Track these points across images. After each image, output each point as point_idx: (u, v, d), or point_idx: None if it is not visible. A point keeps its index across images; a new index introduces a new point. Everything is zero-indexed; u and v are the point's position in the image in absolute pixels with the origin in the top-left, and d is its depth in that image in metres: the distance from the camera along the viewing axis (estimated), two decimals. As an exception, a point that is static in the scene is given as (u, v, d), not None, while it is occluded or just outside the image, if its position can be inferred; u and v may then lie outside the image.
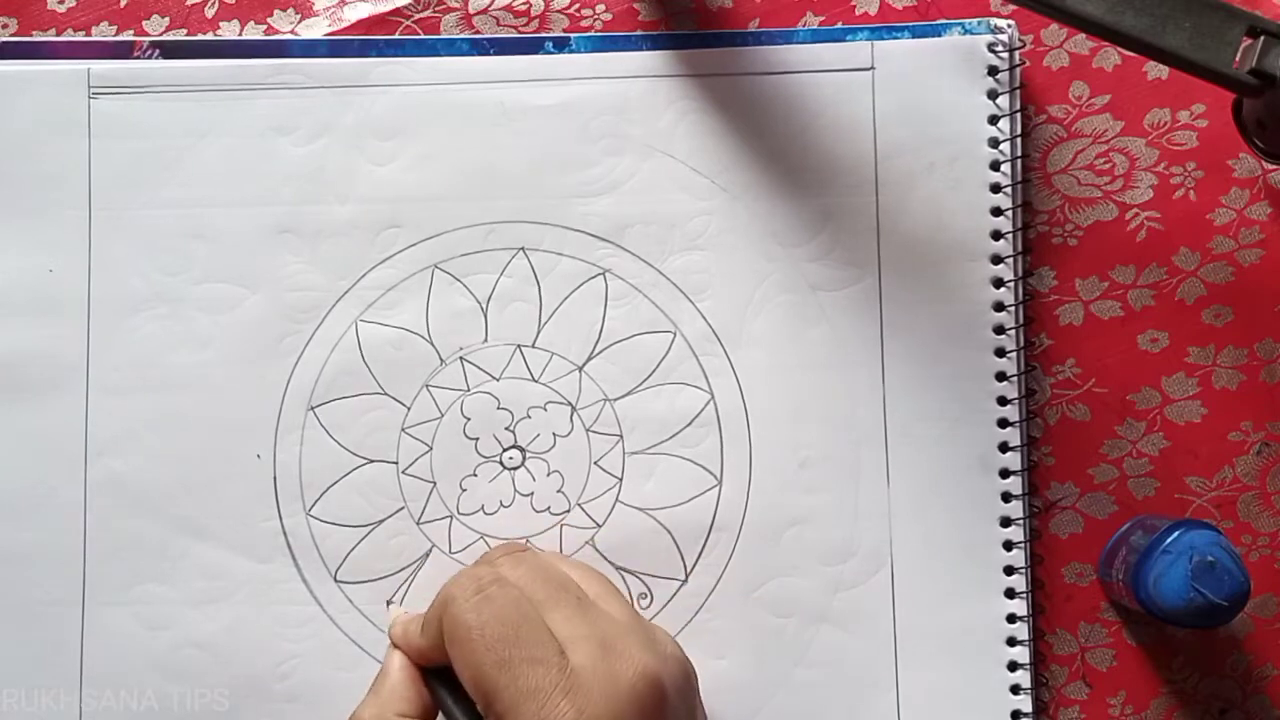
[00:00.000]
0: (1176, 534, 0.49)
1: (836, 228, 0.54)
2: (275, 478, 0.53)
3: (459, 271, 0.53)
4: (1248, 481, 0.54)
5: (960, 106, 0.53)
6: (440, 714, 0.46)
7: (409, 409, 0.53)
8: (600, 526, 0.53)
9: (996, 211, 0.53)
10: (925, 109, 0.53)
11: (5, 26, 0.54)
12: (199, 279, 0.53)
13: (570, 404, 0.53)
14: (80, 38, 0.54)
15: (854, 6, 0.55)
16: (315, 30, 0.55)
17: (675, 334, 0.53)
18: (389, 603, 0.53)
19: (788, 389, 0.52)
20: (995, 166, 0.53)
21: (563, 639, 0.43)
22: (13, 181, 0.53)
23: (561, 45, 0.54)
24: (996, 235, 0.53)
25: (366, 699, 0.47)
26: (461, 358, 0.53)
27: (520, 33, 0.54)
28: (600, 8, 0.55)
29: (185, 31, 0.54)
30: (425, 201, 0.53)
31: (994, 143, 0.53)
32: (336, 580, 0.53)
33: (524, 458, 0.53)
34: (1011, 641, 0.53)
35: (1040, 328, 0.54)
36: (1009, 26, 0.54)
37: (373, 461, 0.53)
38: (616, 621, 0.46)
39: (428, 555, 0.53)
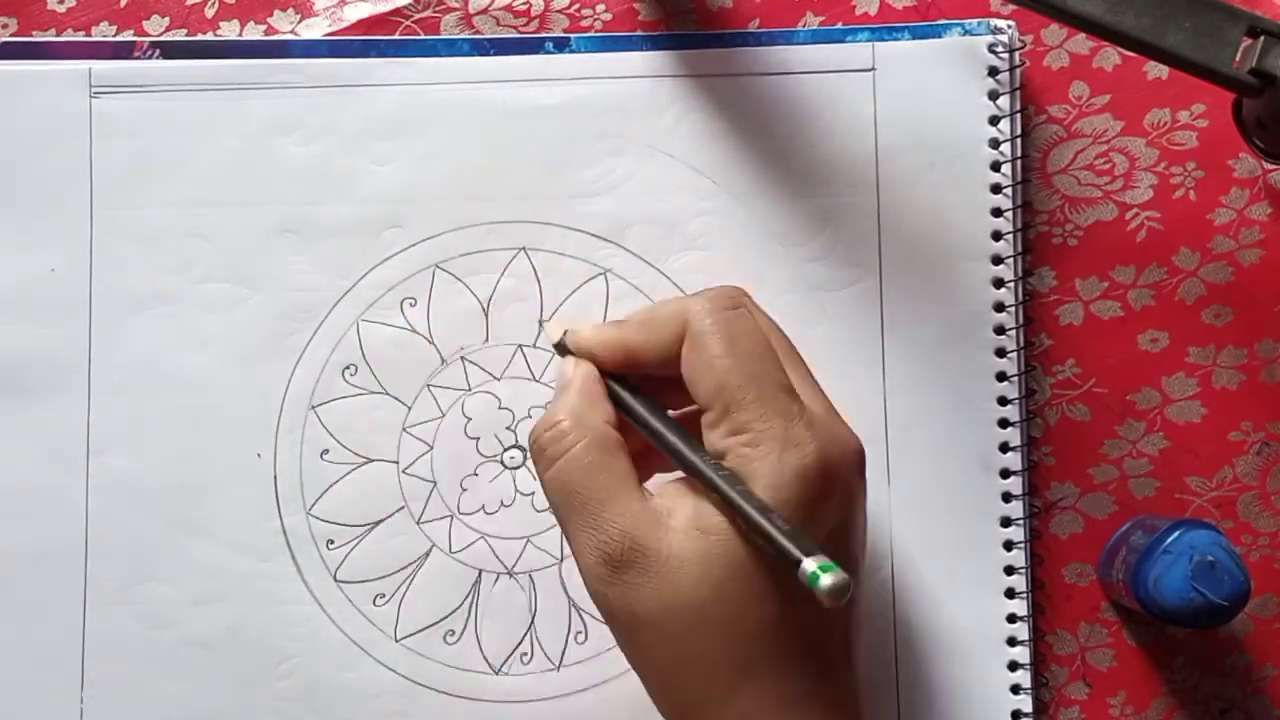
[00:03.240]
0: (1176, 534, 0.49)
1: (837, 228, 0.54)
2: (275, 477, 0.53)
3: (460, 271, 0.53)
4: (1248, 481, 0.54)
5: (960, 107, 0.54)
6: (632, 422, 0.45)
7: (410, 408, 0.53)
8: (601, 526, 0.53)
9: (997, 212, 0.53)
10: (926, 110, 0.54)
11: (5, 26, 0.54)
12: (200, 278, 0.53)
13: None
14: (80, 38, 0.54)
15: (854, 6, 0.55)
16: (315, 30, 0.55)
17: (676, 334, 0.53)
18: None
19: (788, 389, 0.52)
20: (995, 167, 0.53)
21: (796, 389, 0.43)
22: (14, 181, 0.53)
23: (562, 45, 0.54)
24: (997, 235, 0.53)
25: (556, 404, 0.44)
26: (463, 357, 0.53)
27: (520, 33, 0.54)
28: (600, 8, 0.55)
29: (185, 31, 0.54)
30: (426, 201, 0.53)
31: (994, 143, 0.53)
32: (336, 580, 0.53)
33: (525, 457, 0.53)
34: (1011, 641, 0.53)
35: (1040, 328, 0.54)
36: (1009, 27, 0.54)
37: (373, 461, 0.53)
38: (830, 401, 0.45)
39: (428, 555, 0.53)
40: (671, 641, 0.41)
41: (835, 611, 0.41)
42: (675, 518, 0.42)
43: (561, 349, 0.46)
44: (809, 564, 0.39)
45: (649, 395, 0.45)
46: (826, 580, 0.38)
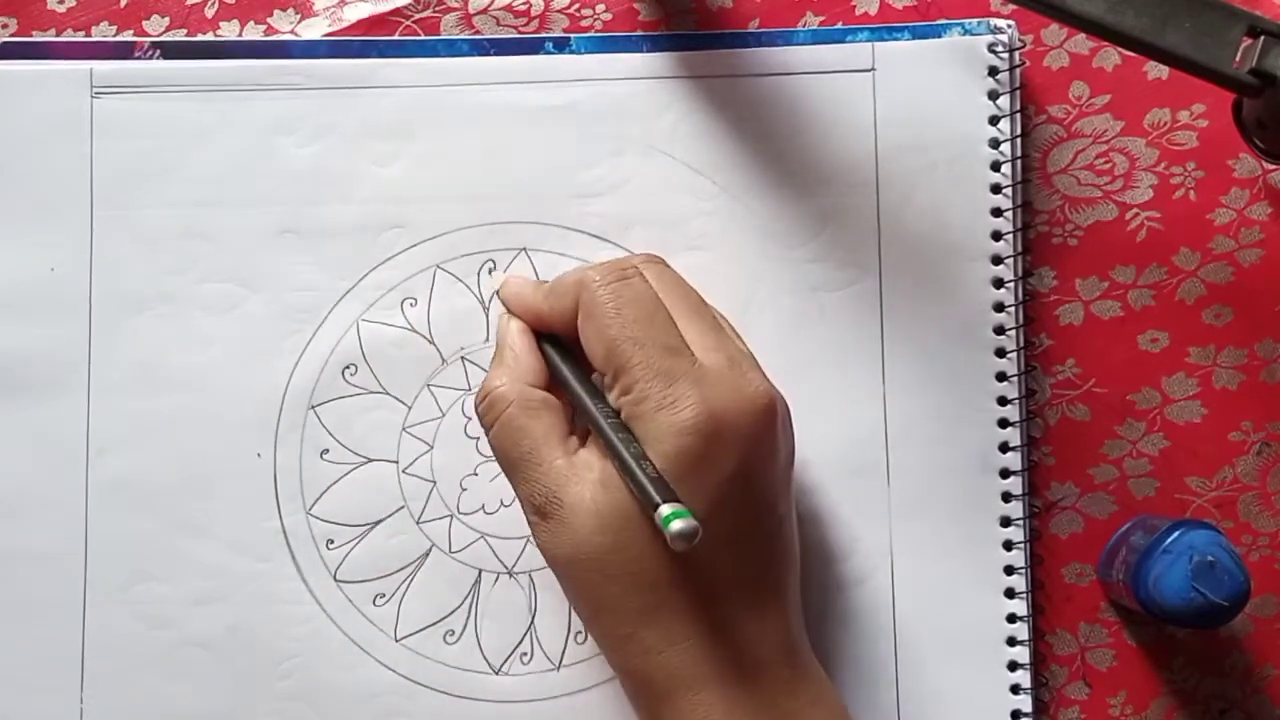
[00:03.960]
0: (1176, 534, 0.49)
1: (837, 228, 0.54)
2: (276, 477, 0.53)
3: (461, 271, 0.53)
4: (1248, 481, 0.54)
5: (960, 107, 0.54)
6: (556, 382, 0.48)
7: (410, 408, 0.53)
8: (601, 526, 0.53)
9: (997, 212, 0.53)
10: (926, 110, 0.54)
11: (5, 27, 0.54)
12: (201, 279, 0.53)
13: (571, 404, 0.53)
14: (80, 38, 0.54)
15: (854, 6, 0.55)
16: (315, 30, 0.55)
17: (676, 334, 0.53)
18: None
19: (788, 389, 0.52)
20: (995, 167, 0.53)
21: (693, 346, 0.45)
22: (15, 180, 0.53)
23: (562, 45, 0.54)
24: (997, 235, 0.53)
25: (492, 371, 0.48)
26: (463, 357, 0.53)
27: (520, 33, 0.54)
28: (600, 8, 0.55)
29: (185, 31, 0.54)
30: (427, 202, 0.53)
31: (994, 143, 0.53)
32: (336, 580, 0.53)
33: (525, 457, 0.53)
34: (1011, 641, 0.53)
35: (1040, 328, 0.54)
36: (1009, 27, 0.54)
37: (373, 461, 0.53)
38: (740, 349, 0.48)
39: (427, 555, 0.53)
40: (583, 584, 0.45)
41: (749, 554, 0.45)
42: (590, 471, 0.45)
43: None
44: (664, 509, 0.41)
45: (573, 353, 0.48)
46: (676, 525, 0.41)
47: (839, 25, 0.54)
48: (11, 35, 0.54)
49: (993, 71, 0.53)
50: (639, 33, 0.54)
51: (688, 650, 0.44)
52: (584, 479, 0.45)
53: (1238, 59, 0.44)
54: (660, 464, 0.43)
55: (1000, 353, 0.53)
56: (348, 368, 0.53)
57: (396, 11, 0.55)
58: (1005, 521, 0.53)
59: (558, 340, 0.48)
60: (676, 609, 0.44)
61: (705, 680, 0.44)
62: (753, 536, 0.45)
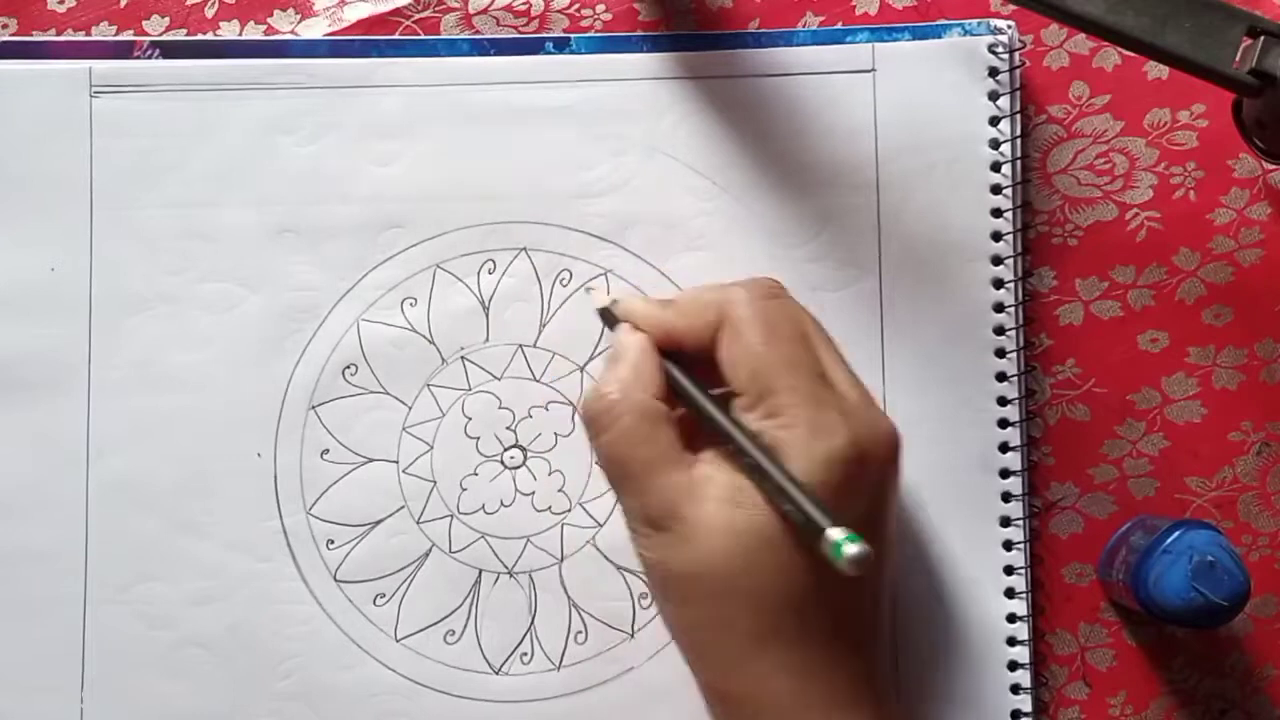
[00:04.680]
0: (1176, 534, 0.49)
1: (837, 229, 0.54)
2: (276, 477, 0.53)
3: (461, 271, 0.53)
4: (1248, 481, 0.54)
5: (961, 108, 0.54)
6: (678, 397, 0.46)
7: (410, 408, 0.53)
8: (601, 526, 0.53)
9: (997, 212, 0.53)
10: (926, 110, 0.54)
11: (5, 26, 0.54)
12: (201, 278, 0.53)
13: (572, 404, 0.53)
14: (80, 37, 0.54)
15: (854, 6, 0.55)
16: (315, 30, 0.55)
17: (676, 334, 0.53)
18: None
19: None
20: (995, 167, 0.53)
21: (831, 377, 0.45)
22: (14, 180, 0.53)
23: (562, 46, 0.54)
24: (997, 236, 0.53)
25: (606, 378, 0.46)
26: (463, 357, 0.53)
27: (520, 33, 0.54)
28: (600, 8, 0.55)
29: (185, 31, 0.54)
30: (427, 201, 0.53)
31: (994, 144, 0.53)
32: (336, 580, 0.53)
33: (525, 457, 0.53)
34: (1011, 641, 0.53)
35: (1040, 328, 0.54)
36: (1009, 27, 0.54)
37: (373, 461, 0.53)
38: (867, 389, 0.47)
39: (428, 555, 0.53)
40: (699, 604, 0.43)
41: (863, 589, 0.43)
42: (713, 487, 0.43)
43: (606, 316, 0.49)
44: (833, 533, 0.40)
45: (691, 370, 0.46)
46: (850, 549, 0.39)
47: (839, 25, 0.54)
48: (12, 35, 0.54)
49: (993, 72, 0.53)
50: (639, 33, 0.54)
51: (797, 680, 0.43)
52: (708, 495, 0.43)
53: (1238, 59, 0.44)
54: None
55: (1000, 353, 0.53)
56: (348, 368, 0.53)
57: (396, 11, 0.55)
58: (1005, 521, 0.53)
59: (676, 357, 0.47)
60: (791, 638, 0.43)
61: (808, 711, 0.43)
62: (870, 572, 0.44)
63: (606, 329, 0.49)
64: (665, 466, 0.44)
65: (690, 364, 0.47)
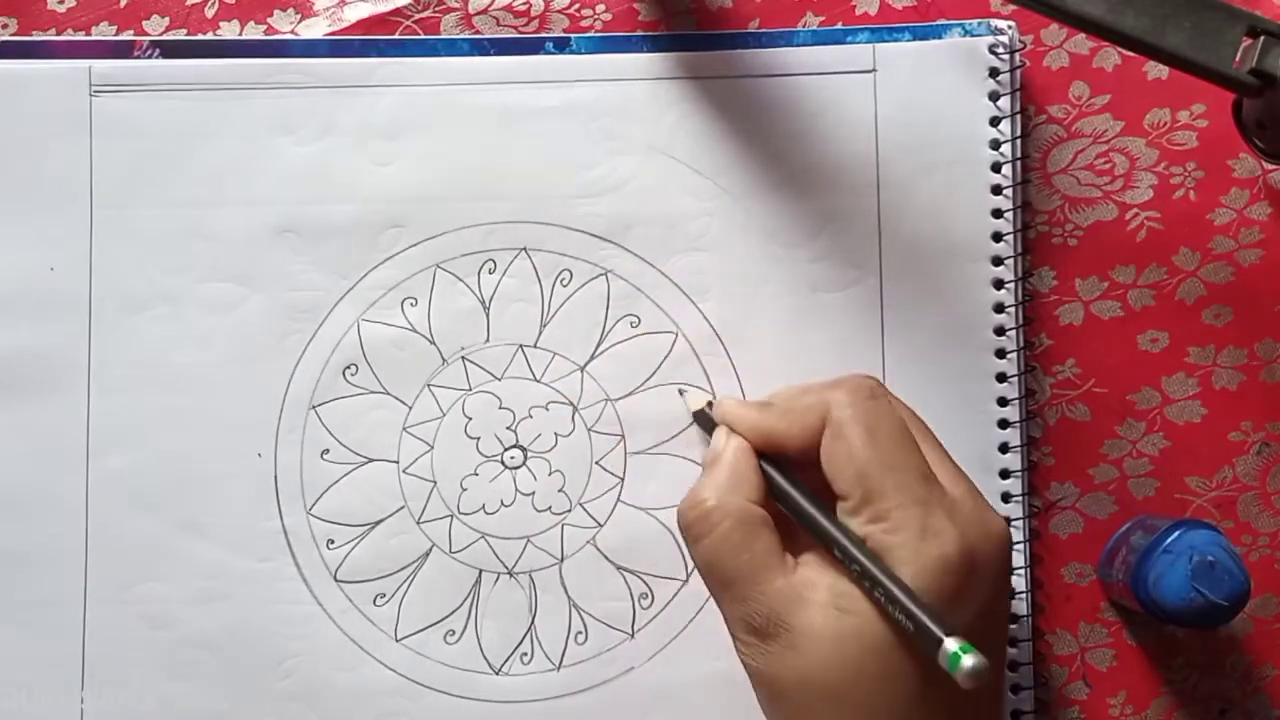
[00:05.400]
0: (1176, 534, 0.49)
1: (837, 229, 0.54)
2: (276, 477, 0.53)
3: (461, 271, 0.53)
4: (1248, 481, 0.54)
5: (961, 108, 0.54)
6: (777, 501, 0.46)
7: (410, 408, 0.53)
8: (602, 526, 0.53)
9: (997, 212, 0.53)
10: (926, 111, 0.54)
11: (5, 26, 0.54)
12: (201, 278, 0.53)
13: (572, 404, 0.53)
14: (80, 37, 0.54)
15: (854, 6, 0.55)
16: (315, 30, 0.55)
17: (677, 334, 0.53)
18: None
19: (789, 389, 0.52)
20: (996, 167, 0.53)
21: (936, 476, 0.44)
22: (14, 180, 0.53)
23: (562, 46, 0.54)
24: (997, 236, 0.53)
25: (704, 482, 0.46)
26: (463, 357, 0.53)
27: (520, 33, 0.54)
28: (600, 8, 0.55)
29: (185, 31, 0.54)
30: (427, 201, 0.53)
31: (994, 144, 0.53)
32: (336, 580, 0.53)
33: (525, 457, 0.53)
34: (1011, 641, 0.53)
35: (1040, 328, 0.54)
36: (1009, 27, 0.54)
37: (373, 461, 0.53)
38: (973, 482, 0.46)
39: (428, 555, 0.53)
40: (807, 713, 0.42)
41: (973, 694, 0.41)
42: (816, 592, 0.43)
43: (702, 418, 0.50)
44: (950, 644, 0.39)
45: (790, 473, 0.46)
46: (968, 661, 0.39)
47: (839, 25, 0.54)
48: (12, 35, 0.54)
49: (993, 72, 0.53)
50: (639, 33, 0.54)
51: None
52: (812, 601, 0.43)
53: (1238, 59, 0.44)
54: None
55: (1000, 353, 0.53)
56: (348, 368, 0.53)
57: (396, 11, 0.55)
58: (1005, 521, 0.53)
59: (776, 461, 0.46)
60: None
61: None
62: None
63: (701, 432, 0.49)
64: (766, 573, 0.43)
65: (788, 466, 0.46)
